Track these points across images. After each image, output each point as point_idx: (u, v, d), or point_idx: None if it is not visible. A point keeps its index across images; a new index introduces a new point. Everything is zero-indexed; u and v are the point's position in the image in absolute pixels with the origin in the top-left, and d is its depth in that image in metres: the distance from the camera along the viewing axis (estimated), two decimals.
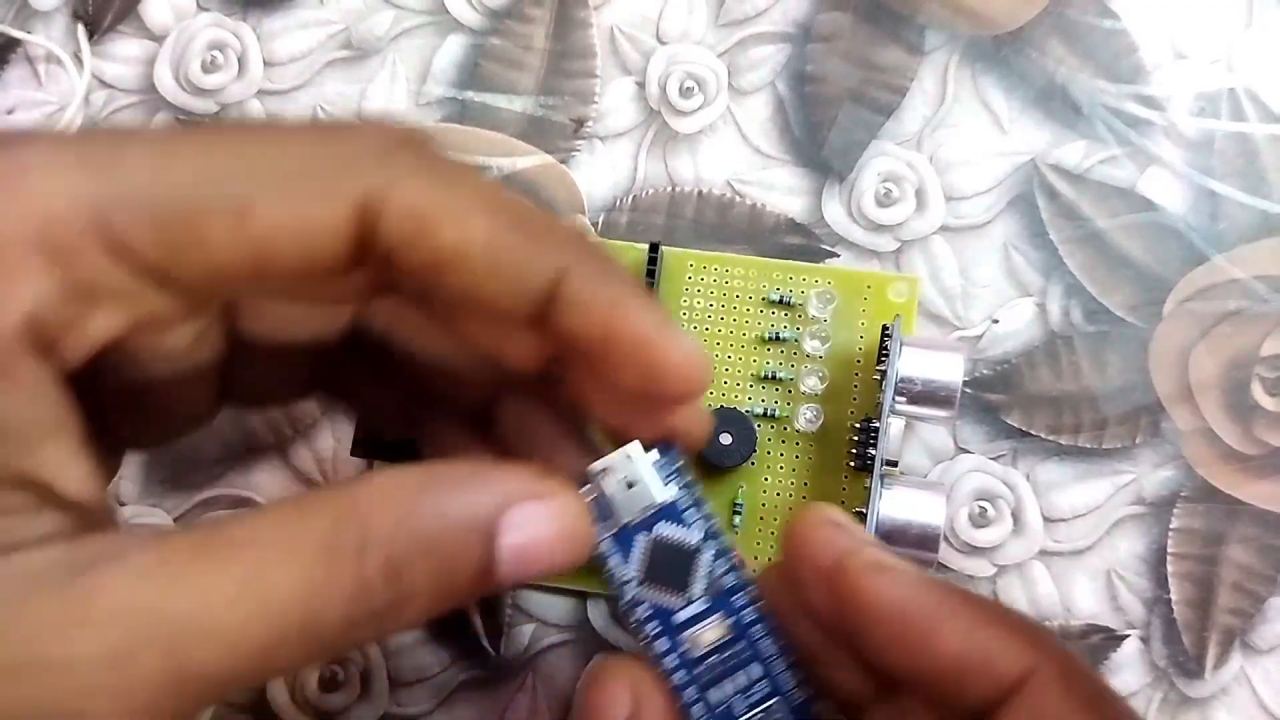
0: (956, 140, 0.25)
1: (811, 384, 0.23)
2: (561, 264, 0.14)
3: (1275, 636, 0.22)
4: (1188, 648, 0.22)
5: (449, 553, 0.13)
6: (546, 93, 0.26)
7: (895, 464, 0.23)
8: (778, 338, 0.23)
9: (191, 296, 0.13)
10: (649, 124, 0.26)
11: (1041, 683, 0.13)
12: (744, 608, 0.16)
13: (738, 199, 0.25)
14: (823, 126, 0.25)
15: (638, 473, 0.16)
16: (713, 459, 0.22)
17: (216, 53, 0.27)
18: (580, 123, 0.26)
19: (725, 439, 0.22)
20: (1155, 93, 0.25)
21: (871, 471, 0.21)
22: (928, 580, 0.14)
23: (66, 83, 0.27)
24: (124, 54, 0.28)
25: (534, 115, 0.26)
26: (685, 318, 0.24)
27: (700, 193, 0.25)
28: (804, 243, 0.25)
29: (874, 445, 0.21)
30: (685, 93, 0.26)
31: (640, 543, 0.16)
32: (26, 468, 0.13)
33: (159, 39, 0.28)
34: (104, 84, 0.27)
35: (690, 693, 0.16)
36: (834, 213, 0.25)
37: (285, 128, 0.15)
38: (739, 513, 0.22)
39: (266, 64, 0.27)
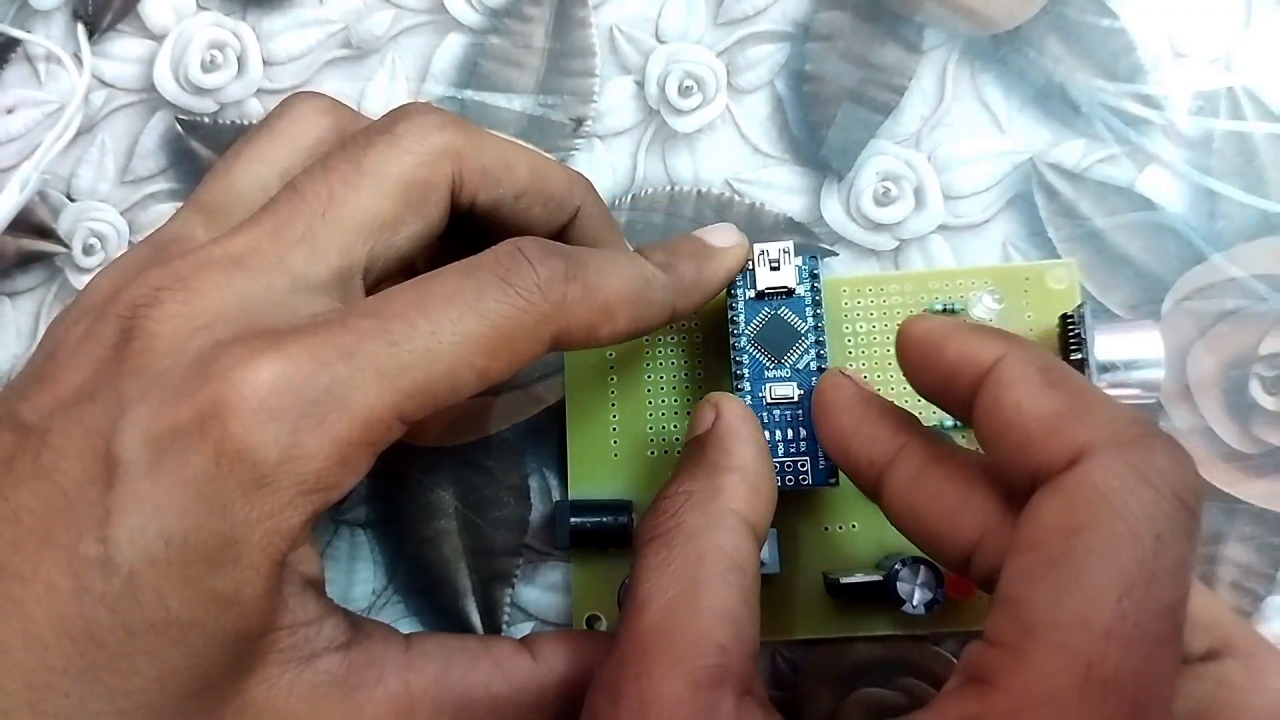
0: (955, 139, 0.25)
1: None
2: (580, 194, 0.21)
3: (1274, 635, 0.22)
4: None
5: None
6: (546, 92, 0.26)
7: None
8: None
9: None
10: (648, 123, 0.26)
11: (1009, 361, 0.15)
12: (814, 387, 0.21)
13: (737, 198, 0.25)
14: (821, 125, 0.25)
15: (782, 262, 0.21)
16: None
17: (216, 52, 0.27)
18: (579, 122, 0.26)
19: None
20: (1154, 92, 0.25)
21: None
22: (952, 321, 0.17)
23: (66, 82, 0.28)
24: (124, 53, 0.28)
25: (533, 114, 0.26)
26: (850, 344, 0.23)
27: (699, 192, 0.25)
28: (803, 241, 0.25)
29: None
30: (684, 92, 0.26)
31: (764, 312, 0.21)
32: (311, 574, 0.17)
33: (159, 38, 0.28)
34: (104, 83, 0.27)
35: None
36: (833, 212, 0.25)
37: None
38: None
39: (266, 63, 0.27)
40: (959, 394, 0.16)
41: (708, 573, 0.16)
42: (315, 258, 0.17)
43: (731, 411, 0.19)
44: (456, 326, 0.16)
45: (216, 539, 0.15)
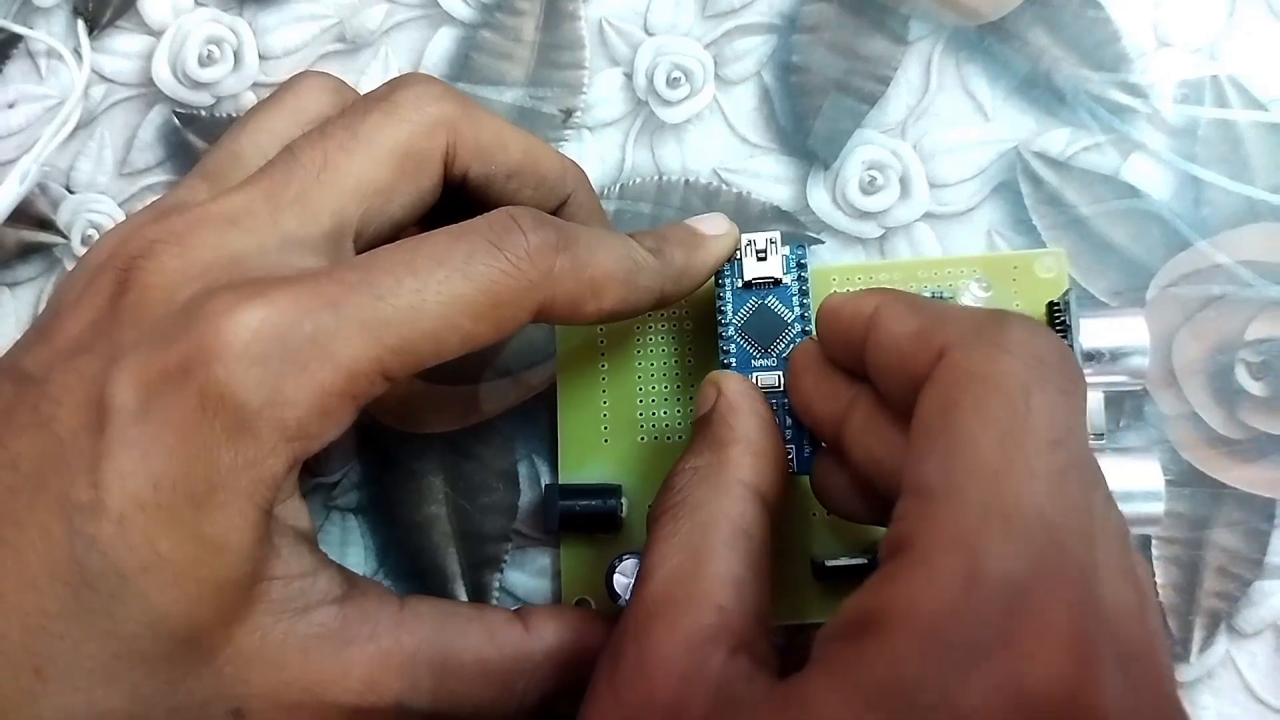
0: (940, 128, 0.25)
1: None
2: (572, 181, 0.22)
3: (1261, 620, 0.22)
4: (1173, 631, 0.22)
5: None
6: (536, 84, 0.27)
7: (1101, 436, 0.22)
8: None
9: None
10: (636, 114, 0.26)
11: (883, 305, 0.17)
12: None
13: (724, 187, 0.26)
14: (808, 116, 0.26)
15: (769, 252, 0.21)
16: None
17: (213, 47, 0.28)
18: (569, 113, 0.26)
19: None
20: (1139, 80, 0.25)
21: None
22: (846, 293, 0.18)
23: (66, 77, 0.28)
24: (123, 49, 0.28)
25: (524, 106, 0.26)
26: None
27: (687, 181, 0.26)
28: (790, 230, 0.25)
29: None
30: (672, 83, 0.26)
31: (751, 301, 0.22)
32: (302, 528, 0.17)
33: (157, 34, 0.28)
34: (103, 78, 0.28)
35: None
36: (819, 200, 0.25)
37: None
38: None
39: (262, 57, 0.28)
40: (856, 348, 0.17)
41: (712, 540, 0.17)
42: (307, 218, 0.17)
43: (732, 388, 0.20)
44: (443, 286, 0.16)
45: (203, 483, 0.15)
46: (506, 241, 0.17)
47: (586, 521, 0.22)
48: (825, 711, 0.12)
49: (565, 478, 0.23)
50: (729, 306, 0.22)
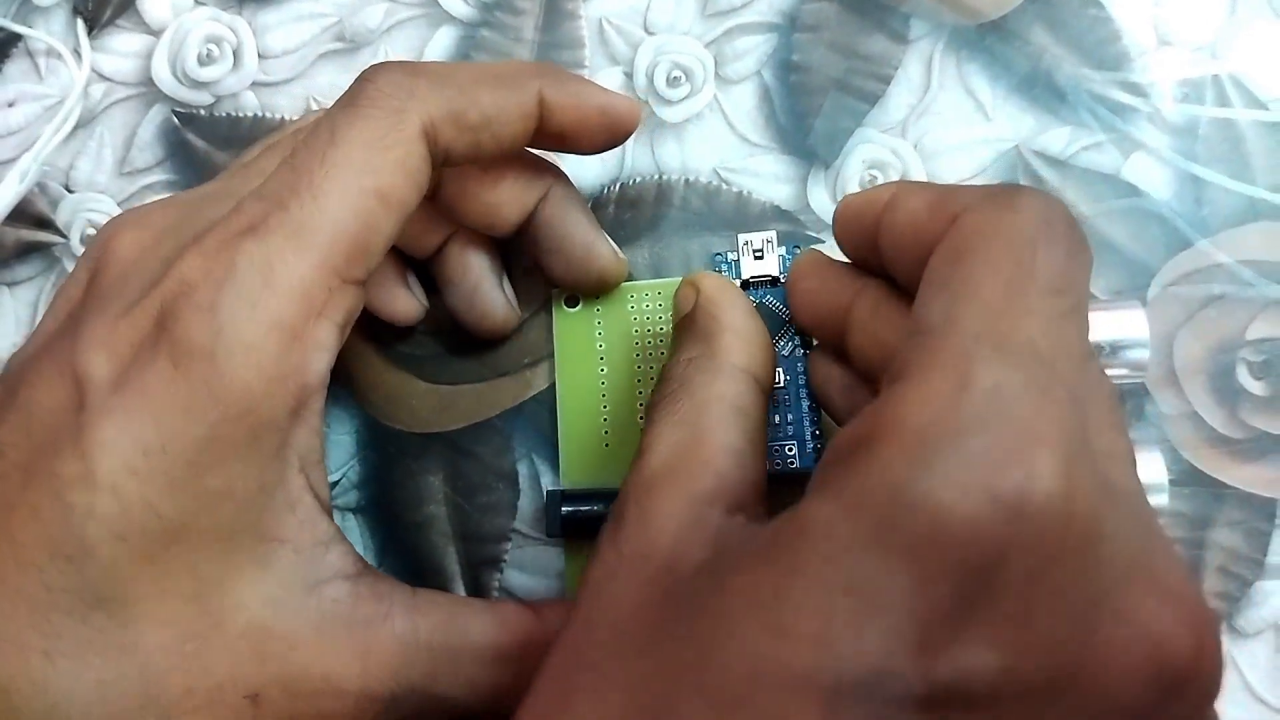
0: (941, 127, 0.25)
1: None
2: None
3: (1261, 620, 0.22)
4: None
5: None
6: None
7: None
8: None
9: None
10: None
11: (898, 191, 0.17)
12: (801, 371, 0.21)
13: (725, 187, 0.26)
14: (808, 115, 0.26)
15: (766, 251, 0.22)
16: None
17: (213, 46, 0.28)
18: None
19: None
20: (1139, 79, 0.25)
21: None
22: (865, 190, 0.18)
23: (66, 76, 0.28)
24: (122, 48, 0.28)
25: None
26: None
27: (687, 181, 0.26)
28: (790, 229, 0.25)
29: None
30: (672, 82, 0.26)
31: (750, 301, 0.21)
32: (322, 496, 0.17)
33: (156, 33, 0.28)
34: (103, 77, 0.28)
35: None
36: (819, 200, 0.25)
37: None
38: None
39: (261, 57, 0.28)
40: (871, 234, 0.17)
41: (711, 418, 0.17)
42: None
43: (710, 284, 0.20)
44: (328, 167, 0.16)
45: (196, 442, 0.15)
46: (359, 96, 0.17)
47: (589, 527, 0.22)
48: (817, 529, 0.13)
49: (567, 482, 0.23)
50: None
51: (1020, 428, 0.12)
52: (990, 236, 0.14)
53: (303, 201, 0.16)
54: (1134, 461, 0.14)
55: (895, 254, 0.17)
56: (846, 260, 0.20)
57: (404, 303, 0.23)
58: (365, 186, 0.17)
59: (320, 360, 0.17)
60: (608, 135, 0.21)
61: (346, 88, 0.19)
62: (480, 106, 0.18)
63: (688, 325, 0.19)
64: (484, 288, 0.23)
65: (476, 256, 0.23)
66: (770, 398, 0.20)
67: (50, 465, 0.15)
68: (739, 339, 0.19)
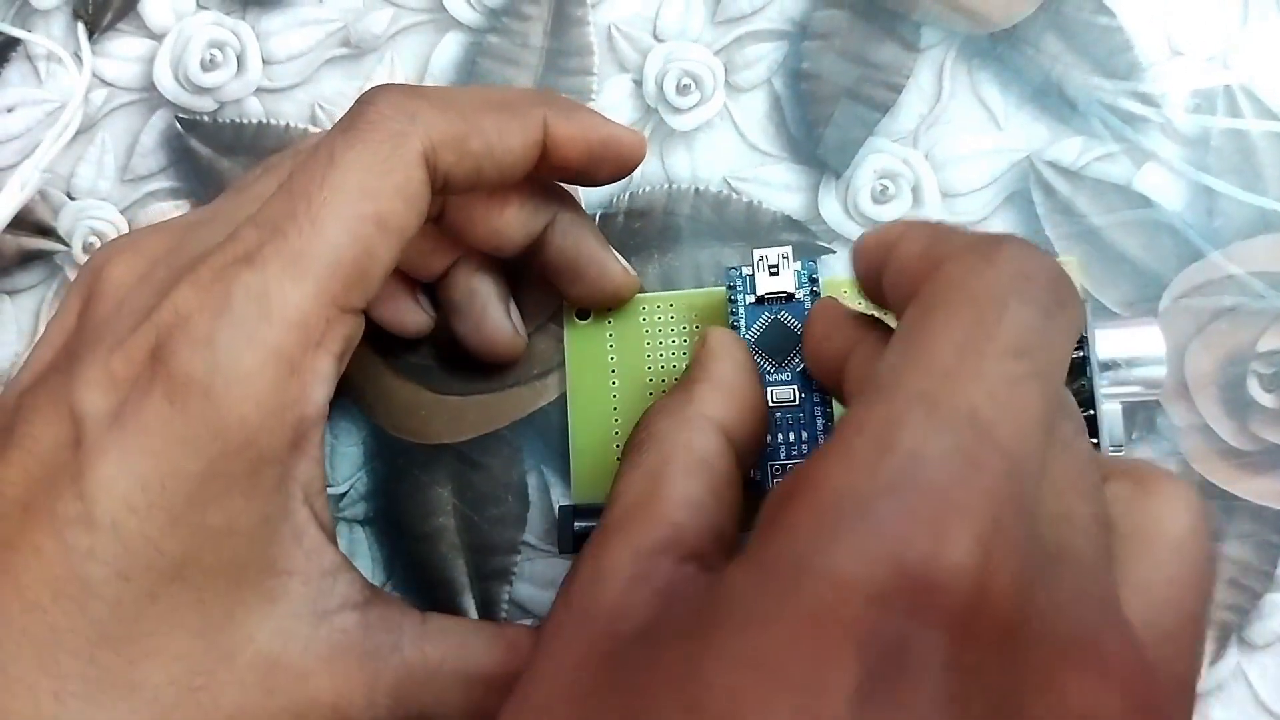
0: (952, 137, 0.25)
1: None
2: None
3: (1271, 633, 0.22)
4: None
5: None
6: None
7: (1120, 448, 0.21)
8: None
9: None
10: (646, 121, 0.26)
11: (906, 231, 0.16)
12: (815, 389, 0.21)
13: (734, 196, 0.25)
14: (819, 124, 0.26)
15: (781, 267, 0.22)
16: None
17: (215, 51, 0.27)
18: None
19: None
20: (1151, 89, 0.25)
21: None
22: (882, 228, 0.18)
23: (66, 81, 0.28)
24: (124, 52, 0.28)
25: None
26: None
27: (697, 190, 0.25)
28: (801, 239, 0.25)
29: (1094, 437, 0.20)
30: (682, 90, 0.26)
31: (764, 317, 0.22)
32: (327, 525, 0.17)
33: (158, 37, 0.28)
34: (104, 82, 0.28)
35: None
36: (830, 209, 0.25)
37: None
38: None
39: (265, 62, 0.27)
40: (879, 277, 0.17)
41: (672, 469, 0.17)
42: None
43: (714, 337, 0.20)
44: (326, 192, 0.16)
45: (195, 477, 0.15)
46: (359, 119, 0.17)
47: None
48: (733, 597, 0.12)
49: (578, 497, 0.23)
50: (742, 321, 0.22)
51: (936, 497, 0.12)
52: (959, 290, 0.14)
53: (300, 229, 0.16)
54: (1101, 526, 0.14)
55: (893, 301, 0.16)
56: (865, 307, 0.19)
57: (413, 316, 0.23)
58: (364, 212, 0.16)
59: (319, 391, 0.16)
60: (613, 168, 0.20)
61: (352, 95, 0.18)
62: (483, 133, 0.18)
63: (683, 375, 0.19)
64: (491, 314, 0.23)
65: (482, 281, 0.23)
66: (772, 419, 0.20)
67: (50, 504, 0.15)
68: (716, 390, 0.18)
